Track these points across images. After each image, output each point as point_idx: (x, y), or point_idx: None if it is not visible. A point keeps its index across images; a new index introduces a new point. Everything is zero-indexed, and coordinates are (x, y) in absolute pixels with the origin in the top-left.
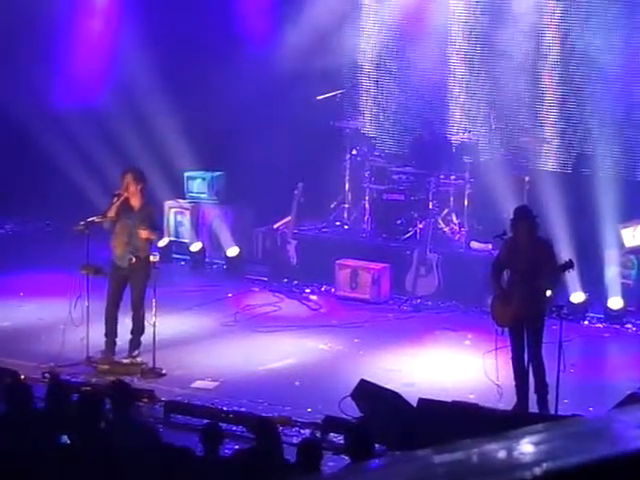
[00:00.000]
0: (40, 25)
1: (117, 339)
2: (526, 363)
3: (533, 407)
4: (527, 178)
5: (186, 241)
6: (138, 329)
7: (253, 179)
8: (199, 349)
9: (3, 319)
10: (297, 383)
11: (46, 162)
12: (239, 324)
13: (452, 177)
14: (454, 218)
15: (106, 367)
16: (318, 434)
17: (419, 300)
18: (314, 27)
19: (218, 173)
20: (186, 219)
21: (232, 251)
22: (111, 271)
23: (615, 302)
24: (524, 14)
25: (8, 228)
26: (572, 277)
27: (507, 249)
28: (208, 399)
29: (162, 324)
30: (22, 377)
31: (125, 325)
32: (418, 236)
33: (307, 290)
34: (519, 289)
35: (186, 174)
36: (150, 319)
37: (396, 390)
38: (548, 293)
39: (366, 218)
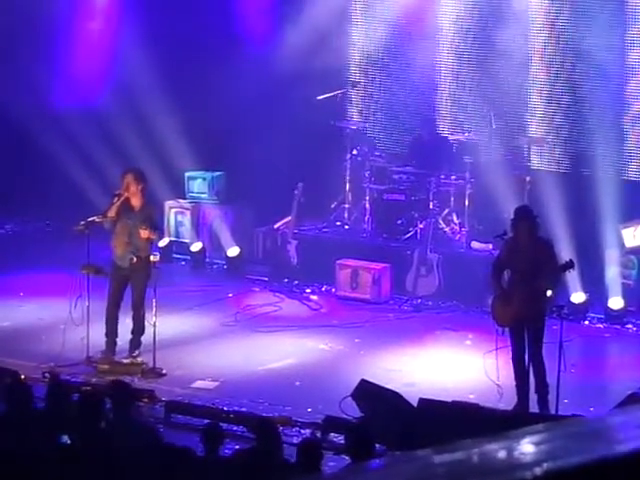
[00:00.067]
0: (40, 25)
1: (118, 339)
2: (526, 363)
3: (533, 407)
4: (528, 178)
5: (186, 241)
6: (138, 329)
7: (253, 179)
8: (199, 349)
9: (3, 319)
10: (297, 383)
11: (46, 162)
12: (239, 324)
13: (453, 177)
14: (455, 218)
15: (106, 367)
16: (318, 434)
17: (420, 300)
18: (314, 27)
19: (218, 173)
20: (186, 219)
21: (232, 251)
22: (112, 271)
23: (615, 302)
24: (524, 13)
25: (8, 228)
26: (572, 277)
27: (508, 249)
28: (208, 399)
29: (162, 324)
30: (22, 377)
31: (125, 325)
32: (419, 236)
33: (307, 290)
34: (519, 289)
35: (186, 174)
36: (150, 319)
37: (396, 390)
38: (549, 293)
39: (366, 218)
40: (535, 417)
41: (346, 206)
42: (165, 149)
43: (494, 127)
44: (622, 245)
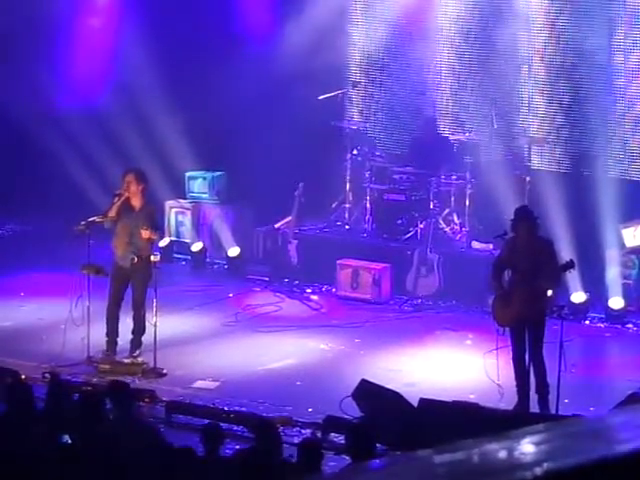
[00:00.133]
0: (40, 25)
1: (118, 339)
2: (527, 363)
3: (534, 407)
4: (528, 178)
5: (187, 241)
6: (139, 329)
7: (254, 179)
8: (200, 349)
9: (4, 319)
10: (298, 383)
11: (46, 162)
12: (240, 324)
13: (453, 177)
14: (455, 218)
15: (107, 367)
16: (319, 434)
17: (420, 300)
18: (314, 27)
19: (219, 173)
20: (187, 219)
21: (233, 251)
22: (112, 271)
23: (616, 302)
24: (524, 13)
25: (8, 228)
26: (573, 277)
27: (508, 249)
28: (209, 399)
29: (163, 324)
30: (23, 377)
31: (126, 325)
32: (419, 236)
33: (308, 290)
34: (520, 289)
35: (187, 174)
36: (151, 319)
37: (397, 390)
38: (549, 293)
39: (367, 218)
40: (535, 417)
41: (346, 206)
42: (165, 149)
43: (495, 127)
44: (622, 245)
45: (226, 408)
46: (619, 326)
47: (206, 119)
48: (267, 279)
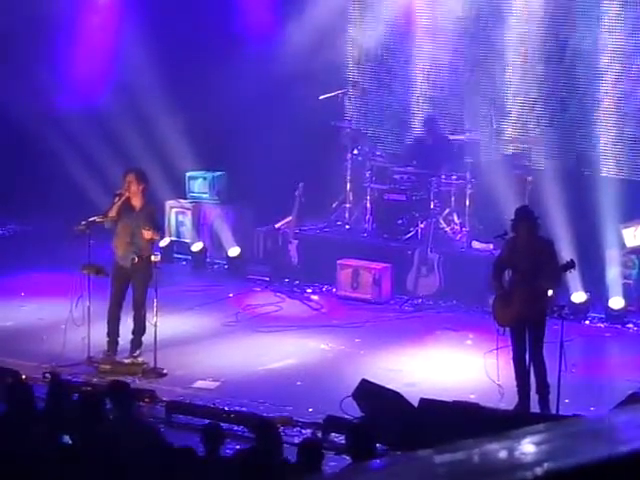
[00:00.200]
0: (40, 25)
1: (119, 339)
2: (527, 363)
3: (534, 407)
4: (529, 178)
5: (187, 241)
6: (139, 329)
7: (254, 179)
8: (200, 349)
9: (4, 319)
10: (298, 383)
11: (46, 162)
12: (240, 324)
13: (453, 177)
14: (455, 218)
15: (107, 367)
16: (319, 434)
17: (420, 300)
18: (314, 27)
19: (219, 173)
20: (187, 219)
21: (233, 251)
22: (113, 271)
23: (616, 302)
24: (524, 13)
25: (8, 228)
26: (573, 277)
27: (508, 249)
28: (209, 399)
29: (163, 324)
30: (23, 377)
31: (126, 325)
32: (419, 236)
33: (308, 290)
34: (520, 289)
35: (187, 174)
36: (151, 319)
37: (397, 390)
38: (549, 293)
39: (367, 218)
40: (536, 417)
41: (347, 206)
42: (166, 149)
43: (495, 127)
44: (623, 245)
45: (226, 408)
46: (619, 326)
47: (206, 119)
48: (267, 279)
